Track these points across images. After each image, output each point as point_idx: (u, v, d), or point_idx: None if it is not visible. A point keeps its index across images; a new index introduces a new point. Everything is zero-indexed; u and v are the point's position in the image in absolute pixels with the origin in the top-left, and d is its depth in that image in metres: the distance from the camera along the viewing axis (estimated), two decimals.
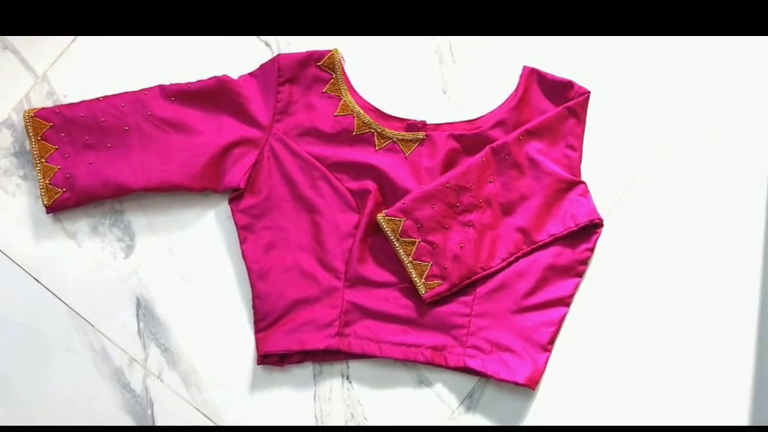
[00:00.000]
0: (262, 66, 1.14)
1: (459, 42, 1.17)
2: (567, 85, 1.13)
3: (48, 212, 1.12)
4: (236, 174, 1.12)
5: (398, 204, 1.09)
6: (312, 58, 1.14)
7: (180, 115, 1.13)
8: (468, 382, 1.12)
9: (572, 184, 1.11)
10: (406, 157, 1.13)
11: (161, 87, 1.13)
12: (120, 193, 1.12)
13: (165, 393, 1.14)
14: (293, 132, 1.13)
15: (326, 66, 1.14)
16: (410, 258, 1.09)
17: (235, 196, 1.12)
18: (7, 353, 1.13)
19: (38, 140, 1.11)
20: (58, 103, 1.15)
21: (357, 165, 1.12)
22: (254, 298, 1.11)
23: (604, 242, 1.12)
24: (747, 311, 1.13)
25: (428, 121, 1.13)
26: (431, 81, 1.17)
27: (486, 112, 1.14)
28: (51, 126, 1.11)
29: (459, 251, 1.09)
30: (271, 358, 1.11)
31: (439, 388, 1.12)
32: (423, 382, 1.12)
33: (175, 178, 1.11)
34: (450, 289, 1.09)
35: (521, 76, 1.14)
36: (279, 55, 1.14)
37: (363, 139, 1.13)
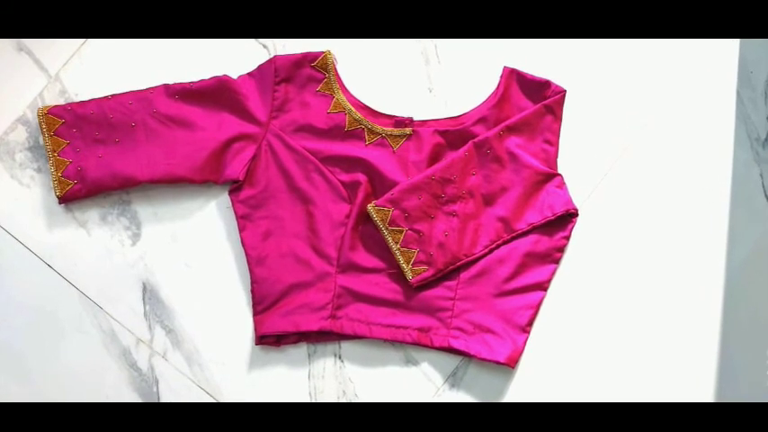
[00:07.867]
0: (259, 66, 1.16)
1: (443, 44, 1.19)
2: (545, 84, 1.15)
3: (60, 203, 1.15)
4: (236, 167, 1.14)
5: (387, 195, 1.12)
6: (306, 59, 1.16)
7: (183, 112, 1.15)
8: (452, 361, 1.14)
9: (549, 176, 1.14)
10: (394, 152, 1.15)
11: (165, 86, 1.15)
12: (128, 184, 1.14)
13: (169, 372, 1.16)
14: (289, 128, 1.15)
15: (320, 66, 1.16)
16: (398, 246, 1.11)
17: (234, 188, 1.14)
18: (23, 333, 1.15)
19: (51, 136, 1.13)
20: (70, 101, 1.17)
21: (348, 158, 1.14)
22: (252, 283, 1.13)
23: (579, 231, 1.15)
24: (713, 295, 1.15)
25: (415, 118, 1.15)
26: (417, 80, 1.19)
27: (468, 109, 1.16)
28: (63, 122, 1.14)
29: (443, 239, 1.12)
30: (268, 339, 1.13)
31: (425, 367, 1.15)
32: (410, 362, 1.15)
33: (179, 171, 1.13)
34: (435, 274, 1.11)
35: (501, 76, 1.16)
36: (275, 56, 1.16)
37: (354, 134, 1.15)
